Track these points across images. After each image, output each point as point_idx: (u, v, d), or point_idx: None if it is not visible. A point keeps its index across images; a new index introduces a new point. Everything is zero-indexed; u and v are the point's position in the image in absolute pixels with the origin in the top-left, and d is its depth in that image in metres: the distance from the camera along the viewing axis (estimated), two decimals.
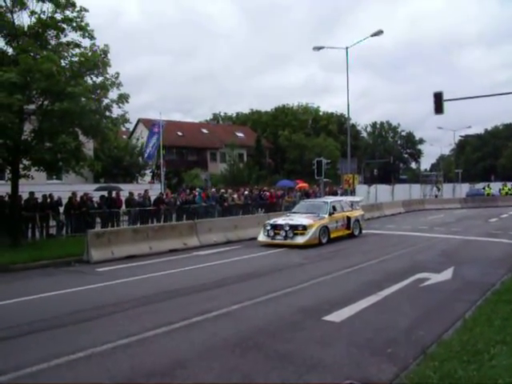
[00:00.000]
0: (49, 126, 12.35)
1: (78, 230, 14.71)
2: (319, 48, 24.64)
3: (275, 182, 39.79)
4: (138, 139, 33.67)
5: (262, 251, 12.60)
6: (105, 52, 12.89)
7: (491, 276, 8.46)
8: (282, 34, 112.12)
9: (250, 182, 36.42)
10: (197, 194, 20.79)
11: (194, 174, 39.10)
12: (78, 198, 15.94)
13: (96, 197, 17.21)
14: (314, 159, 23.95)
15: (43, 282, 9.16)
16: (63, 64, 12.50)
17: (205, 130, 51.45)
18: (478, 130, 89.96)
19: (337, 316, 6.00)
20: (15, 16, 12.34)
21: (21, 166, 12.94)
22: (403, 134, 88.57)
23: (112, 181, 27.50)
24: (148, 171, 33.90)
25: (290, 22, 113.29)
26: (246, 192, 23.25)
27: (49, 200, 15.61)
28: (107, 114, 13.27)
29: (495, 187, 36.66)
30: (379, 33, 22.93)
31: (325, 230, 13.73)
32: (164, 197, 19.14)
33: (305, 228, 13.19)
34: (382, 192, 32.74)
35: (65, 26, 12.69)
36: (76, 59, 12.64)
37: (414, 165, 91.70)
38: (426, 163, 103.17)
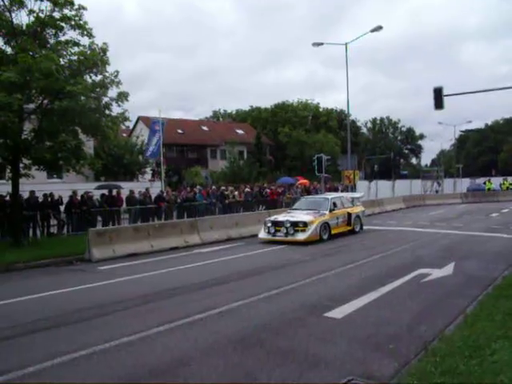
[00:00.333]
0: (49, 125, 12.36)
1: (78, 229, 14.78)
2: (318, 44, 24.54)
3: (276, 178, 39.79)
4: (137, 137, 33.66)
5: (263, 248, 12.62)
6: (104, 50, 12.88)
7: (492, 271, 8.47)
8: (282, 30, 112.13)
9: (250, 179, 36.40)
10: (197, 191, 20.80)
11: (195, 171, 39.09)
12: (79, 197, 15.98)
13: (97, 195, 17.24)
14: (315, 155, 23.88)
15: (45, 281, 9.18)
16: (62, 63, 12.49)
17: (205, 128, 51.34)
18: (478, 124, 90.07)
19: (338, 312, 6.02)
20: (14, 15, 12.36)
21: (21, 165, 12.97)
22: (403, 129, 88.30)
23: (112, 179, 27.54)
24: (148, 169, 33.91)
25: (290, 18, 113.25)
26: (247, 189, 23.28)
27: (49, 199, 15.66)
28: (107, 112, 13.28)
29: (496, 182, 36.73)
30: (378, 28, 22.82)
31: (326, 226, 13.75)
32: (164, 194, 19.17)
33: (305, 224, 13.20)
34: (383, 188, 32.78)
35: (63, 24, 12.69)
36: (75, 58, 12.63)
37: (414, 160, 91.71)
38: (426, 159, 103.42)
